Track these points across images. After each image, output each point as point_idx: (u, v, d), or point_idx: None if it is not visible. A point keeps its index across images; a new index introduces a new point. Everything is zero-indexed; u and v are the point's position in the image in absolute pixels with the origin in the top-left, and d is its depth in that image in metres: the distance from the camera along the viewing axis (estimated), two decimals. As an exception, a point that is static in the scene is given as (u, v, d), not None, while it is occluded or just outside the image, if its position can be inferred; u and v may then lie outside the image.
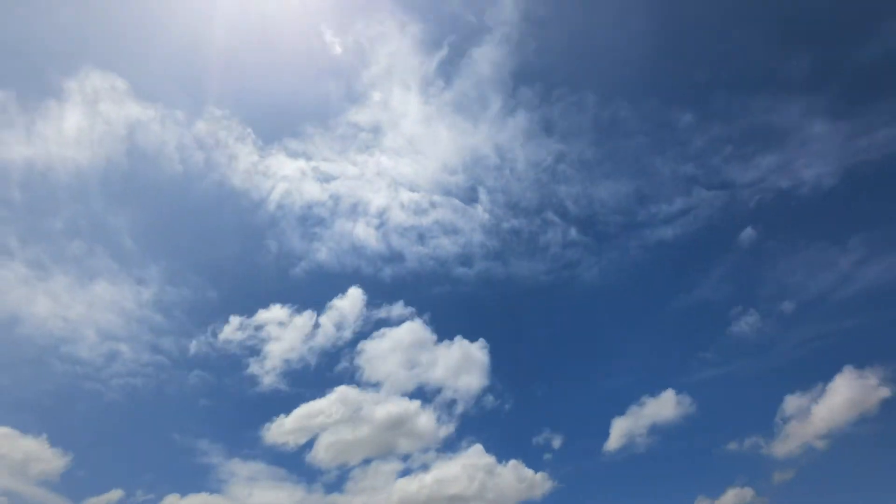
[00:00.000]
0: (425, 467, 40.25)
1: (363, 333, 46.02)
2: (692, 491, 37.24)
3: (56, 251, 47.67)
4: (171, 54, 50.94)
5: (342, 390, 42.91)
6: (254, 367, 44.70)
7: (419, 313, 47.37)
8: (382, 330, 46.18)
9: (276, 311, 46.31)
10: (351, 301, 47.50)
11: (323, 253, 51.05)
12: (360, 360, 45.24)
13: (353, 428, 41.12)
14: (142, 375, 44.62)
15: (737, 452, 38.62)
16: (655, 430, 40.20)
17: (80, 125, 46.96)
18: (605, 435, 40.59)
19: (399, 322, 46.77)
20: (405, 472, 40.31)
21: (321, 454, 40.86)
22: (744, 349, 42.79)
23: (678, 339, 46.56)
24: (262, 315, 45.92)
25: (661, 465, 40.50)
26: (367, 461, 40.84)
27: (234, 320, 46.69)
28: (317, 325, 46.56)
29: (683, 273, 48.39)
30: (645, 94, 50.92)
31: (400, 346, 45.33)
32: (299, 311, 47.01)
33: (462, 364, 44.85)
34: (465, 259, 50.99)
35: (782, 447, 37.44)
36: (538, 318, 50.99)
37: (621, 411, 41.35)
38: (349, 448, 40.94)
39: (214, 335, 46.93)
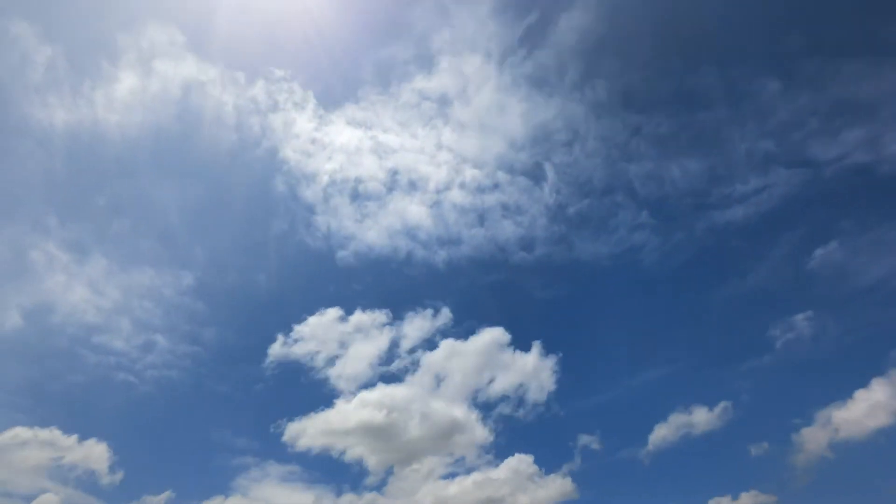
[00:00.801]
0: (467, 472, 38.65)
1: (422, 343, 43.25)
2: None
3: (97, 230, 45.36)
4: (235, 8, 47.37)
5: (388, 390, 41.25)
6: (299, 363, 42.47)
7: (467, 307, 45.48)
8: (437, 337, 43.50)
9: (330, 312, 43.85)
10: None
11: (374, 233, 48.30)
12: (406, 361, 43.03)
13: (398, 429, 39.58)
14: (178, 368, 42.85)
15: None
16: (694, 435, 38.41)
17: (133, 86, 44.40)
18: (644, 442, 38.90)
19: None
20: (448, 476, 38.75)
21: (362, 455, 39.46)
22: (793, 346, 40.24)
23: (729, 332, 44.17)
24: (312, 315, 43.56)
25: (694, 467, 39.08)
26: (408, 463, 39.35)
27: (280, 310, 45.39)
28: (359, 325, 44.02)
29: (744, 259, 45.69)
30: (731, 60, 47.46)
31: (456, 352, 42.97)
32: (347, 303, 44.77)
33: (511, 366, 42.58)
34: (527, 243, 48.27)
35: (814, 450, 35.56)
36: (594, 309, 48.67)
37: (664, 416, 39.43)
38: (390, 450, 39.60)
39: (258, 326, 45.25)
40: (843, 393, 35.66)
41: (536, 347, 42.60)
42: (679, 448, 37.92)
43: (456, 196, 48.85)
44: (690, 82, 48.10)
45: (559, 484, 37.04)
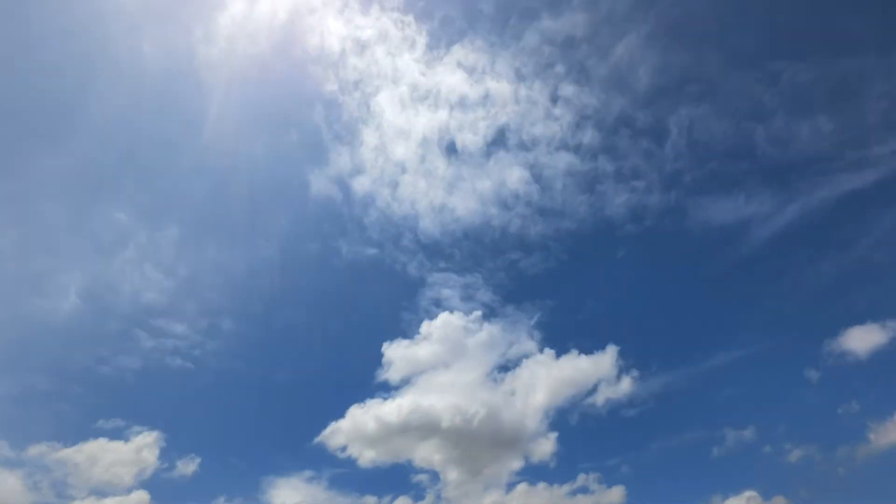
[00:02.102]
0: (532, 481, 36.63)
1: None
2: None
3: (174, 193, 42.69)
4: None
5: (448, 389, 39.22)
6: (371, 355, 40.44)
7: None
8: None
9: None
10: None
11: (465, 200, 43.85)
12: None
13: (460, 431, 37.69)
14: (240, 357, 40.88)
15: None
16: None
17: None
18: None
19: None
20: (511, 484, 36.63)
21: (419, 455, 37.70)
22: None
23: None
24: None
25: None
26: (470, 468, 37.57)
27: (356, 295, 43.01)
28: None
29: (871, 227, 41.50)
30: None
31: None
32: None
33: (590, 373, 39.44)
34: (637, 214, 43.91)
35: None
36: (689, 295, 44.67)
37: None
38: (449, 451, 37.62)
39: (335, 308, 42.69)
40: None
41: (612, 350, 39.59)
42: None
43: (567, 159, 43.99)
44: (842, 24, 43.29)
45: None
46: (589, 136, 43.80)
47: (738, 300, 42.78)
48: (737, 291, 43.13)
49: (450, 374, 39.21)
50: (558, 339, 40.84)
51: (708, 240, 44.05)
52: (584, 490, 35.35)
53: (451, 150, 44.98)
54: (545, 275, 44.04)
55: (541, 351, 39.69)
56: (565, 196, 44.07)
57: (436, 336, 39.66)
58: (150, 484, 34.02)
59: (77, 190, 42.08)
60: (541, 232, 43.89)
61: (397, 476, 36.79)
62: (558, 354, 39.39)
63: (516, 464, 36.53)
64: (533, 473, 36.26)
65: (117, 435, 34.87)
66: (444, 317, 40.56)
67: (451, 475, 36.45)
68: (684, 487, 36.20)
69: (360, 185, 45.34)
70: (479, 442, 36.67)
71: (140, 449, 34.91)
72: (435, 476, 36.51)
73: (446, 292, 42.63)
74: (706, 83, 44.64)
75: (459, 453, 36.66)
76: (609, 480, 35.75)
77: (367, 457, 36.61)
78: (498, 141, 44.56)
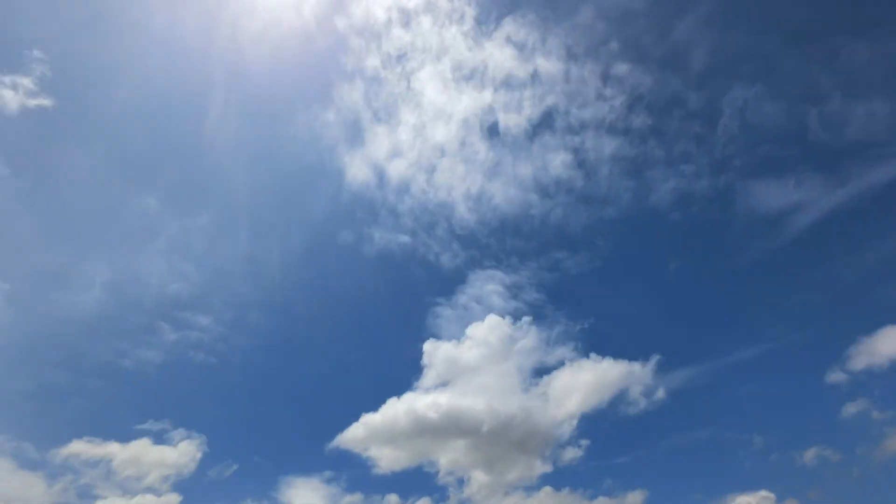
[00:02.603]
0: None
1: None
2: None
3: (205, 181, 41.40)
4: None
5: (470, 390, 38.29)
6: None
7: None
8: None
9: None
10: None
11: (510, 190, 41.90)
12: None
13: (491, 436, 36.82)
14: (265, 352, 39.64)
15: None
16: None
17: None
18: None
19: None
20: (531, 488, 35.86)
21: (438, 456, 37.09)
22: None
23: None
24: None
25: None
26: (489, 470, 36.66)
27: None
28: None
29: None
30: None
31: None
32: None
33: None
34: (684, 200, 42.39)
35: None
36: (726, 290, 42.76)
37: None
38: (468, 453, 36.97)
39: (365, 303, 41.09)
40: None
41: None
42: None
43: (614, 143, 42.02)
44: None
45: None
46: (640, 119, 42.23)
47: (771, 292, 41.62)
48: (770, 283, 42.11)
49: (483, 377, 38.04)
50: (597, 344, 39.72)
51: (752, 227, 42.45)
52: (608, 493, 35.07)
53: (493, 132, 43.05)
54: (587, 275, 42.79)
55: (579, 356, 38.61)
56: (610, 182, 42.52)
57: (476, 338, 38.49)
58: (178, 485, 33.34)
59: (106, 178, 40.63)
60: (583, 222, 42.48)
61: (420, 477, 36.21)
62: (595, 359, 38.35)
63: (543, 468, 35.81)
64: (559, 478, 35.74)
65: (141, 434, 33.93)
66: (490, 320, 39.17)
67: (476, 477, 35.74)
68: (701, 486, 35.62)
69: (397, 169, 43.66)
70: (506, 445, 35.90)
71: (172, 449, 34.01)
72: (459, 478, 35.85)
73: (485, 289, 41.25)
74: (762, 62, 42.95)
75: (486, 456, 35.94)
76: (630, 485, 35.32)
77: (389, 457, 35.87)
78: (543, 123, 42.53)
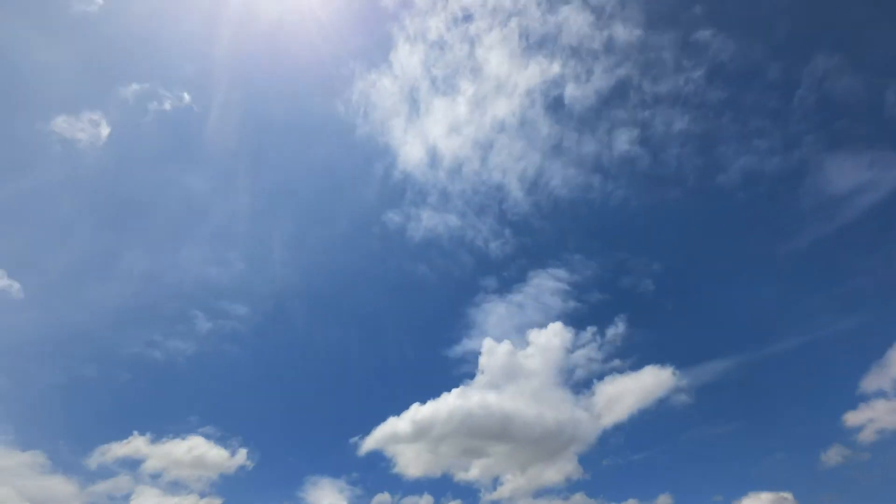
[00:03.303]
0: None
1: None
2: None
3: (251, 163, 40.36)
4: None
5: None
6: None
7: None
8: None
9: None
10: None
11: (569, 171, 40.17)
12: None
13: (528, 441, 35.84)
14: (305, 344, 38.22)
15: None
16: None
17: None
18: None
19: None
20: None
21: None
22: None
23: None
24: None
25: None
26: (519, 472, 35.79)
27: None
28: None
29: None
30: None
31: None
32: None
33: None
34: (753, 178, 40.15)
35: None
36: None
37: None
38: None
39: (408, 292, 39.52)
40: None
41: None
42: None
43: (686, 117, 39.99)
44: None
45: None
46: (717, 92, 39.36)
47: (825, 277, 39.17)
48: (825, 267, 39.53)
49: (530, 381, 36.78)
50: (648, 352, 38.16)
51: (818, 207, 39.74)
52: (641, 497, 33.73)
53: (557, 105, 39.75)
54: (644, 270, 40.40)
55: (630, 366, 37.08)
56: (679, 161, 39.80)
57: (533, 343, 37.13)
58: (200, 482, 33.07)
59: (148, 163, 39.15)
60: (645, 206, 39.51)
61: (449, 479, 35.50)
62: (646, 368, 36.84)
63: (578, 474, 34.95)
64: (592, 485, 34.91)
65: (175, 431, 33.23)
66: (550, 328, 37.76)
67: (510, 480, 34.85)
68: (723, 484, 34.63)
69: (451, 146, 41.12)
70: (544, 450, 34.90)
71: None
72: (492, 480, 35.11)
73: (536, 283, 39.08)
74: (846, 32, 39.25)
75: (522, 460, 34.96)
76: (656, 489, 34.26)
77: (420, 458, 34.99)
78: (614, 96, 39.56)
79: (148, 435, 33.07)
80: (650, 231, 40.74)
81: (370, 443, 35.20)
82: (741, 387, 38.51)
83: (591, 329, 37.99)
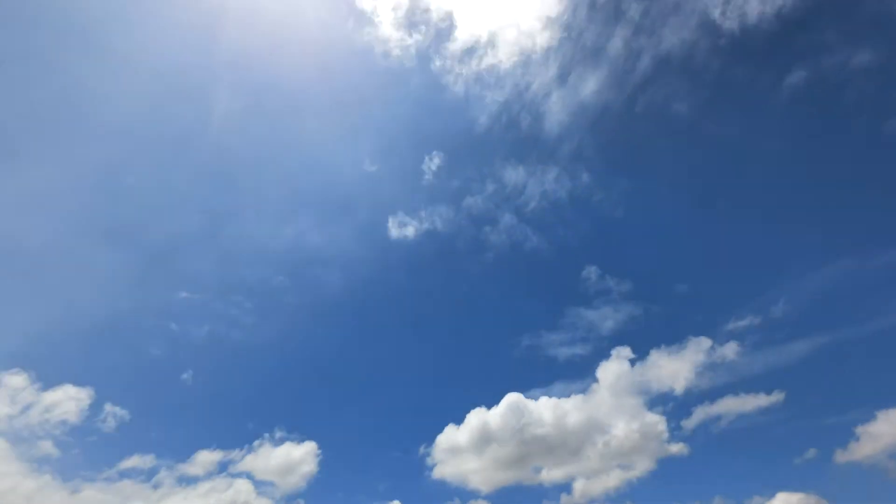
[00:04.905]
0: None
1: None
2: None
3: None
4: None
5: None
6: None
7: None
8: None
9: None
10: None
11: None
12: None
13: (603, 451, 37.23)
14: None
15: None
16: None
17: None
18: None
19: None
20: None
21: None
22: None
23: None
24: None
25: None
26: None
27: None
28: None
29: None
30: None
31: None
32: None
33: None
34: None
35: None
36: None
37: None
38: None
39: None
40: None
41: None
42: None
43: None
44: None
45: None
46: None
47: None
48: None
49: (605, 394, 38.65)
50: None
51: None
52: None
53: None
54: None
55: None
56: None
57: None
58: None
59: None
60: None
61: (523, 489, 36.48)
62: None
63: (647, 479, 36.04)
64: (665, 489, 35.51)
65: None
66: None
67: (578, 487, 36.18)
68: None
69: None
70: (614, 458, 36.45)
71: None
72: (562, 487, 36.30)
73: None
74: None
75: (592, 467, 36.44)
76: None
77: (487, 469, 36.68)
78: None
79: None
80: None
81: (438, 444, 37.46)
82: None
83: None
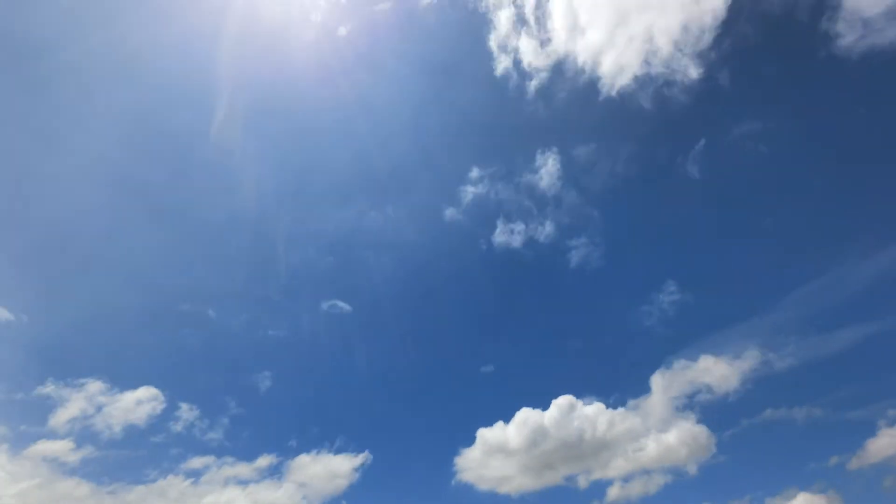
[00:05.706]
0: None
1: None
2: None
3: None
4: None
5: None
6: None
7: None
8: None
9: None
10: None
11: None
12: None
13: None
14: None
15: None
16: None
17: None
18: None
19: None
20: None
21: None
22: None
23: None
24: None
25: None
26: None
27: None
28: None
29: None
30: None
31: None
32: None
33: None
34: None
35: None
36: None
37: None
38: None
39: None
40: None
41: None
42: None
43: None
44: None
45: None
46: None
47: None
48: None
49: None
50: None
51: None
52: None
53: None
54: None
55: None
56: None
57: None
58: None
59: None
60: None
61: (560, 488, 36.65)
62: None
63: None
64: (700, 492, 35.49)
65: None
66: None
67: (613, 492, 36.52)
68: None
69: None
70: (651, 462, 36.70)
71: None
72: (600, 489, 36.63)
73: None
74: None
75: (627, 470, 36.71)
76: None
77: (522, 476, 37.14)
78: None
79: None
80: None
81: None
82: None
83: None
